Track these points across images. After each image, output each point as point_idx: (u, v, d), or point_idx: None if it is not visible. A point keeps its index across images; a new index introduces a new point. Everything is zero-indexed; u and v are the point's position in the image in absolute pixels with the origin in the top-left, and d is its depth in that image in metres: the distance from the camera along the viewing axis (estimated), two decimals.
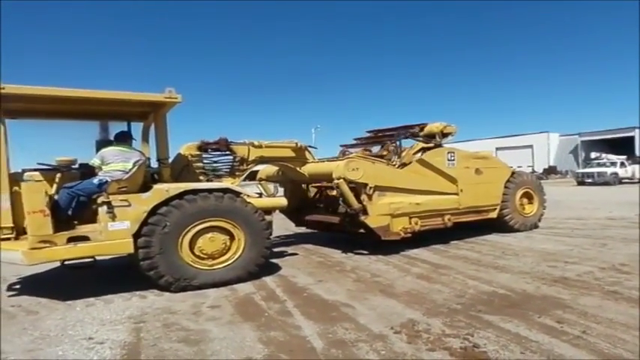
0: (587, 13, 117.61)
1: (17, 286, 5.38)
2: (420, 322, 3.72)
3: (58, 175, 4.53)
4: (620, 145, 42.47)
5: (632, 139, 45.63)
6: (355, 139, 8.90)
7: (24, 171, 4.61)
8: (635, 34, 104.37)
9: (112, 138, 5.43)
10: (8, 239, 4.58)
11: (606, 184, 28.50)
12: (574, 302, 4.09)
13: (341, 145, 8.84)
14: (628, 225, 9.18)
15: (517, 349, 3.08)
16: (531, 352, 3.02)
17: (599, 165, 31.89)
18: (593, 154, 36.09)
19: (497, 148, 47.56)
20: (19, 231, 4.70)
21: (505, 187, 8.20)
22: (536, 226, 8.81)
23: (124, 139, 5.26)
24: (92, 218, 4.78)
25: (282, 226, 9.17)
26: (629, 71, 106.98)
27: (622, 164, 31.09)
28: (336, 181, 6.09)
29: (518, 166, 8.94)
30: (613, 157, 32.72)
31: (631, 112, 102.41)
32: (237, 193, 5.25)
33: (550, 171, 46.55)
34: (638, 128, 46.00)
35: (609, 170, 30.05)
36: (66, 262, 4.81)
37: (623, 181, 30.20)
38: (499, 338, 3.29)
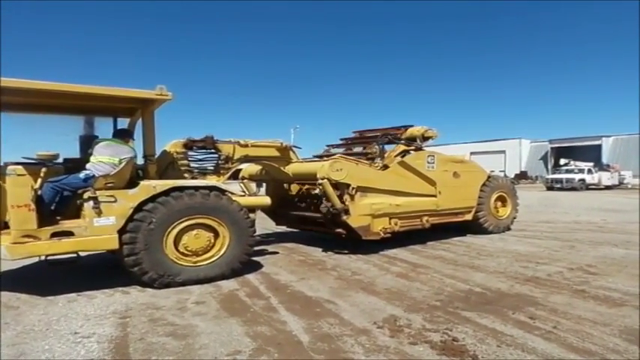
0: (562, 23, 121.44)
1: None
2: (401, 317, 3.87)
3: (44, 169, 4.48)
4: (588, 153, 44.14)
5: (599, 147, 47.47)
6: (341, 139, 9.05)
7: (6, 165, 4.54)
8: (605, 45, 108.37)
9: (97, 133, 5.39)
10: None
11: (574, 189, 29.63)
12: (545, 300, 4.32)
13: (327, 145, 9.00)
14: (594, 229, 9.62)
15: (493, 343, 3.26)
16: (506, 345, 3.21)
17: (567, 171, 33.08)
18: (562, 161, 37.36)
19: (471, 153, 48.59)
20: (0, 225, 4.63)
21: (481, 190, 8.47)
22: (508, 229, 9.12)
23: (120, 135, 5.25)
24: (75, 213, 4.75)
25: (262, 225, 9.22)
26: (599, 81, 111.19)
27: (589, 171, 32.36)
28: (320, 181, 6.20)
29: (491, 171, 9.42)
30: (581, 164, 34.00)
31: (599, 120, 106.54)
32: (223, 191, 5.30)
33: (521, 176, 47.82)
34: (605, 137, 47.87)
35: (577, 176, 31.24)
36: (49, 258, 4.76)
37: (590, 187, 31.43)
38: (476, 332, 3.47)
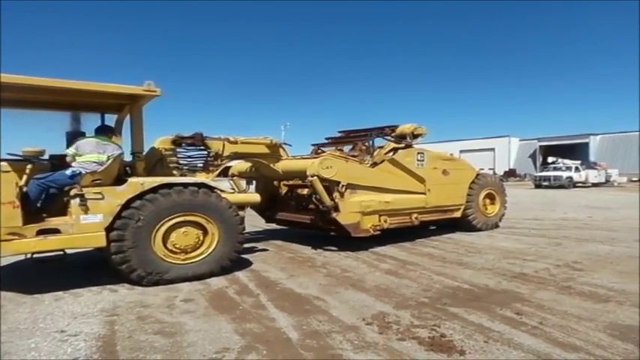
0: (552, 22, 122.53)
1: None
2: (389, 314, 3.88)
3: (29, 166, 4.42)
4: (576, 151, 44.72)
5: (586, 145, 48.12)
6: (327, 139, 9.03)
7: None
8: (594, 45, 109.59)
9: (83, 130, 5.33)
10: None
11: (561, 187, 29.96)
12: (531, 296, 4.36)
13: (312, 145, 8.97)
14: (581, 226, 9.75)
15: (481, 338, 3.29)
16: (493, 341, 3.24)
17: (555, 169, 33.42)
18: (550, 159, 37.77)
19: (461, 151, 49.00)
20: None
21: (470, 187, 8.53)
22: (497, 226, 9.20)
23: (104, 132, 5.19)
24: (62, 211, 4.69)
25: (252, 222, 9.21)
26: (587, 80, 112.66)
27: (577, 169, 32.75)
28: (309, 179, 6.19)
29: (480, 169, 9.52)
30: (568, 162, 34.39)
31: (586, 119, 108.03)
32: (212, 188, 5.27)
33: (510, 174, 48.36)
34: (592, 135, 48.54)
35: (565, 174, 31.58)
36: (35, 256, 4.71)
37: (577, 184, 31.83)
38: (464, 328, 3.50)
